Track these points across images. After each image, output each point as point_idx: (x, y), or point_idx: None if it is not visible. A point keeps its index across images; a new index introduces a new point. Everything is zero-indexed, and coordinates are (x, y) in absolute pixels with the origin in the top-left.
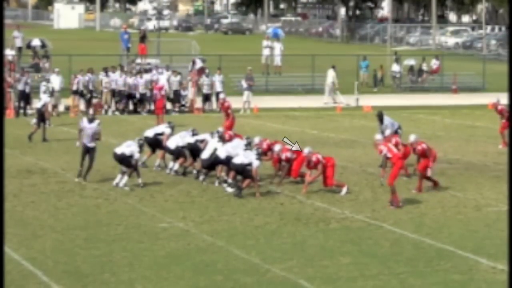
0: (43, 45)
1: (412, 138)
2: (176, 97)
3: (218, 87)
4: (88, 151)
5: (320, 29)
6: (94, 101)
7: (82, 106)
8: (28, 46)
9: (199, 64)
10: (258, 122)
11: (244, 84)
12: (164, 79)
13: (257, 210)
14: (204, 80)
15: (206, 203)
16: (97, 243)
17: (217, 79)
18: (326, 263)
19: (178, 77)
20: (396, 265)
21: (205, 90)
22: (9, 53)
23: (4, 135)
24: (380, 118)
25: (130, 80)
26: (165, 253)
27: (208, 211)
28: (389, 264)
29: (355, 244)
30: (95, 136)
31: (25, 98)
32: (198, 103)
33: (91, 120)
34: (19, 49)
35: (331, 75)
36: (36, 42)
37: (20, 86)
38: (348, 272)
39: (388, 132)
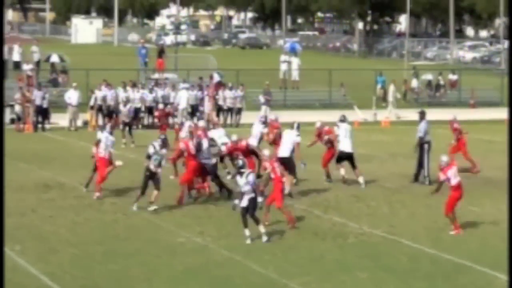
0: (61, 60)
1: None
2: (194, 111)
3: (239, 103)
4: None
5: (338, 43)
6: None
7: (100, 121)
8: (47, 61)
9: (216, 78)
10: None
11: (262, 99)
12: (184, 95)
13: (275, 225)
14: (227, 94)
15: (224, 218)
16: (114, 257)
17: (239, 94)
18: (343, 278)
19: (195, 92)
20: (414, 281)
21: (228, 104)
22: (27, 68)
23: (4, 136)
24: (421, 117)
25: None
26: (182, 268)
27: (225, 226)
28: (406, 279)
29: (373, 259)
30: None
31: (43, 113)
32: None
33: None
34: (37, 63)
35: (391, 89)
36: (54, 58)
37: (37, 101)
38: (365, 287)
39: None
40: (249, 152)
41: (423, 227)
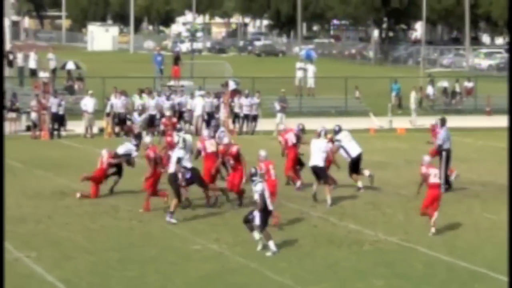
0: (77, 67)
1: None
2: (210, 119)
3: (255, 110)
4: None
5: (353, 51)
6: (128, 123)
7: (116, 128)
8: (63, 68)
9: (232, 86)
10: None
11: (277, 106)
12: (199, 102)
13: (290, 232)
14: (243, 101)
15: (239, 225)
16: (130, 264)
17: (255, 101)
18: (359, 286)
19: (211, 99)
20: None
21: (245, 111)
22: (43, 75)
23: (4, 136)
24: (442, 124)
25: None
26: (198, 275)
27: (241, 233)
28: (422, 286)
29: (388, 267)
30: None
31: (60, 120)
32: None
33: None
34: (54, 71)
35: (413, 96)
36: (70, 65)
37: (53, 108)
38: None
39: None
40: (239, 158)
41: (439, 234)
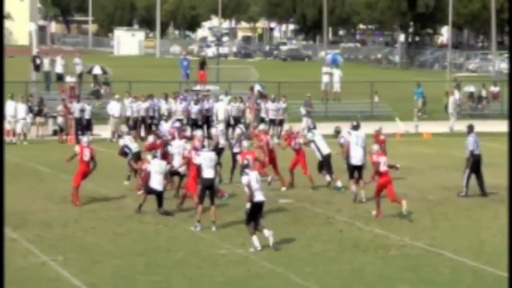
0: (104, 72)
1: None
2: (236, 123)
3: (281, 115)
4: None
5: (379, 55)
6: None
7: (142, 133)
8: (89, 73)
9: (257, 90)
10: None
11: (303, 110)
12: (223, 106)
13: (316, 237)
14: (269, 105)
15: None
16: (156, 269)
17: (281, 106)
18: None
19: (237, 103)
20: None
21: (271, 115)
22: (69, 80)
23: (4, 136)
24: (469, 130)
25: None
26: (224, 280)
27: (266, 238)
28: None
29: (414, 272)
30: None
31: (82, 124)
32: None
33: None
34: (80, 75)
35: (451, 101)
36: (97, 70)
37: (76, 114)
38: None
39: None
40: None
41: (465, 239)
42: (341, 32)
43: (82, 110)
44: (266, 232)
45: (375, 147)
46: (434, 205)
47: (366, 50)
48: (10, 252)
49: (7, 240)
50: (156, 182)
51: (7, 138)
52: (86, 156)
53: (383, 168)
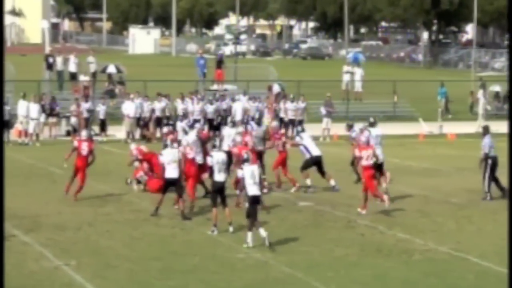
0: (118, 71)
1: None
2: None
3: (300, 115)
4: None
5: (402, 54)
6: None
7: (158, 133)
8: (103, 72)
9: (276, 89)
10: (337, 150)
11: (323, 110)
12: (240, 106)
13: (337, 241)
14: (288, 105)
15: (285, 233)
16: (172, 274)
17: (301, 106)
18: None
19: (256, 103)
20: None
21: (290, 116)
22: (83, 79)
23: (4, 136)
24: (485, 132)
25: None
26: (242, 285)
27: (286, 241)
28: None
29: (439, 277)
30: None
31: (101, 125)
32: None
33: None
34: (94, 74)
35: (482, 102)
36: (111, 69)
37: (84, 114)
38: None
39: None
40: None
41: (491, 243)
42: (362, 30)
43: (90, 110)
44: (262, 232)
45: (363, 138)
46: (459, 208)
47: (389, 48)
48: (23, 256)
49: (19, 244)
50: (171, 171)
51: (19, 139)
52: (84, 150)
53: (365, 162)
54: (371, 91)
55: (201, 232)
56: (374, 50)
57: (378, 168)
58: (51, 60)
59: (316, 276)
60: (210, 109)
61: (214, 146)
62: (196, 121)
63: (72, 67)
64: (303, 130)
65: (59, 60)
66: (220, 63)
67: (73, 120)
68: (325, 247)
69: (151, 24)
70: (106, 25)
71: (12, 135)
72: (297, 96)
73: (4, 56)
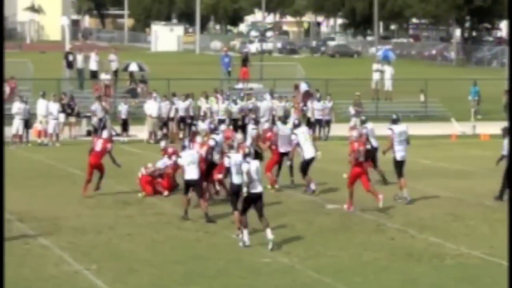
0: (140, 69)
1: None
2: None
3: (327, 115)
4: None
5: (434, 51)
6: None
7: (181, 134)
8: (125, 70)
9: (303, 88)
10: None
11: (352, 110)
12: (266, 106)
13: (366, 245)
14: (315, 105)
15: (312, 237)
16: (196, 278)
17: (328, 105)
18: None
19: (283, 103)
20: None
21: (317, 115)
22: (104, 77)
23: (4, 136)
24: (505, 134)
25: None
26: None
27: (313, 245)
28: None
29: (472, 283)
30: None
31: (123, 124)
32: None
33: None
34: (115, 73)
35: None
36: (133, 67)
37: (98, 114)
38: None
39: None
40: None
41: None
42: (392, 27)
43: (104, 110)
44: (269, 235)
45: (355, 134)
46: (493, 212)
47: (420, 46)
48: (42, 259)
49: (39, 247)
50: (191, 173)
51: (38, 139)
52: (98, 146)
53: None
54: (401, 90)
55: (225, 236)
56: (404, 47)
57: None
58: (71, 58)
59: (344, 281)
60: (235, 108)
61: (231, 147)
62: (221, 121)
63: (92, 65)
64: (299, 125)
65: (79, 58)
66: (245, 61)
67: (94, 120)
68: (353, 251)
69: (174, 20)
70: (128, 22)
71: (31, 135)
72: (324, 95)
73: (4, 55)
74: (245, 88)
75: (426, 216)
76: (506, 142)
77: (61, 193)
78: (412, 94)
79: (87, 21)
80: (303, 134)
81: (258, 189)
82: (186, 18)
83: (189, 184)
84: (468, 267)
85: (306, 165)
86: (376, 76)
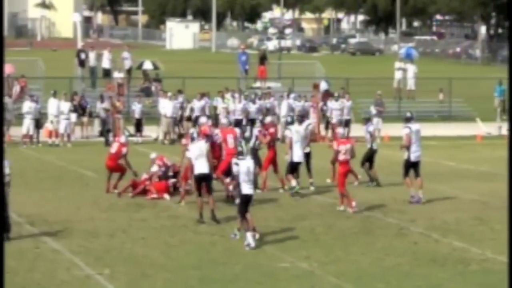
0: (155, 67)
1: None
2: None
3: (347, 114)
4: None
5: (458, 49)
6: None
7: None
8: (139, 68)
9: (323, 87)
10: (389, 152)
11: (373, 110)
12: (285, 105)
13: (388, 249)
14: (332, 104)
15: (332, 241)
16: (212, 284)
17: (346, 105)
18: None
19: (302, 102)
20: None
21: (335, 116)
22: (117, 75)
23: (4, 136)
24: None
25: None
26: None
27: (334, 250)
28: None
29: None
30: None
31: (137, 125)
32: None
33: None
34: (129, 71)
35: None
36: (147, 65)
37: (101, 114)
38: None
39: None
40: None
41: None
42: (415, 24)
43: (106, 110)
44: (249, 236)
45: (340, 130)
46: None
47: (444, 43)
48: (53, 264)
49: (49, 251)
50: (201, 166)
51: (49, 140)
52: (113, 148)
53: (342, 157)
54: (424, 89)
55: (242, 239)
56: (428, 45)
57: (415, 167)
58: (83, 55)
59: (365, 287)
60: (252, 108)
61: (240, 153)
62: (238, 121)
63: (105, 63)
64: (292, 122)
65: (91, 55)
66: (263, 59)
67: (103, 116)
68: (375, 256)
69: (189, 17)
70: (142, 19)
71: (42, 135)
72: (342, 94)
73: (3, 55)
74: (262, 87)
75: (450, 219)
76: None
77: (73, 195)
78: (435, 93)
79: (100, 18)
80: (297, 134)
81: (247, 190)
82: (202, 14)
83: (200, 178)
84: (494, 273)
85: (293, 168)
86: (398, 74)
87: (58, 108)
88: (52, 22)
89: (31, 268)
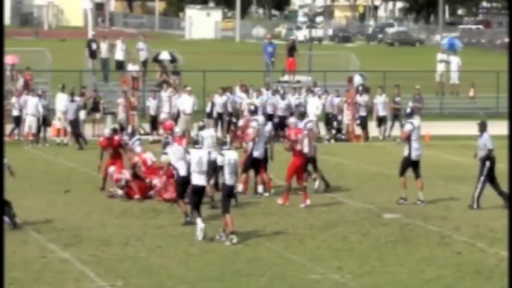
0: (173, 59)
1: None
2: (329, 122)
3: (381, 111)
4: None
5: (506, 39)
6: (232, 128)
7: (219, 132)
8: (155, 60)
9: (358, 81)
10: (429, 153)
11: (408, 107)
12: (315, 101)
13: (429, 260)
14: (359, 99)
15: (367, 250)
16: None
17: (379, 100)
18: None
19: (331, 97)
20: None
21: (361, 112)
22: (132, 68)
23: (4, 135)
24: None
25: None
26: None
27: (369, 260)
28: None
29: None
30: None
31: (152, 122)
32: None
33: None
34: (144, 63)
35: None
36: (164, 55)
37: (119, 111)
38: None
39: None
40: None
41: None
42: (460, 12)
43: (103, 108)
44: (199, 223)
45: (292, 120)
46: None
47: (491, 33)
48: (61, 275)
49: (57, 261)
50: (183, 170)
51: (57, 139)
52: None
53: (299, 147)
54: (470, 83)
55: (268, 249)
56: (473, 35)
57: (415, 166)
58: (94, 46)
59: None
60: (281, 104)
61: (224, 144)
62: (269, 116)
63: (119, 55)
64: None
65: (103, 46)
66: (292, 50)
67: (121, 116)
68: (414, 267)
69: (211, 4)
70: (159, 6)
71: (49, 133)
72: (374, 89)
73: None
74: (291, 81)
75: (497, 227)
76: (486, 137)
77: (84, 200)
78: (482, 88)
79: (113, 5)
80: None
81: (198, 181)
82: (225, 1)
83: (183, 184)
84: None
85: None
86: (440, 67)
87: (66, 104)
88: (60, 9)
89: (37, 279)
